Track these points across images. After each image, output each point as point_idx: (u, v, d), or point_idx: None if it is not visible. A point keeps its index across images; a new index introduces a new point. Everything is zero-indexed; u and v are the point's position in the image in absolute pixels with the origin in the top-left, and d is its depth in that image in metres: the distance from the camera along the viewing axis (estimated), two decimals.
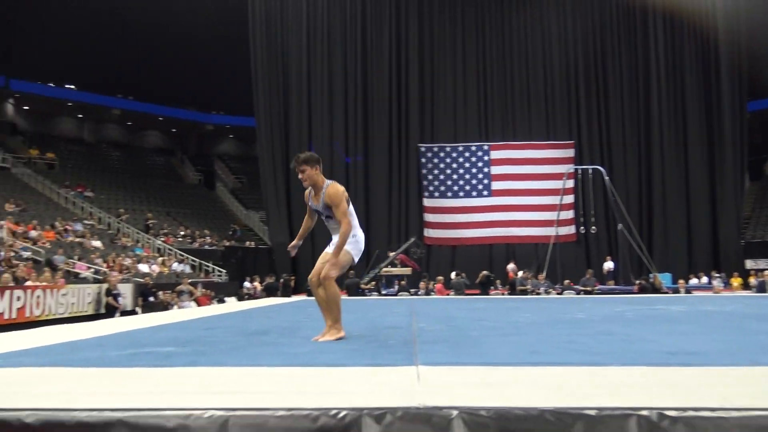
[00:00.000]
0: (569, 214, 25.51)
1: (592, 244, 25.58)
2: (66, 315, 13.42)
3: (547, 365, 3.05)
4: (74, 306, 14.04)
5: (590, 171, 24.03)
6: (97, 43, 33.00)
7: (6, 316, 11.83)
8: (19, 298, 12.32)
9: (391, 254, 22.39)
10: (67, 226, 21.64)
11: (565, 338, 4.43)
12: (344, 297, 16.81)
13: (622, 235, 22.10)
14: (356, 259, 4.79)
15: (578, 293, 17.74)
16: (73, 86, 34.92)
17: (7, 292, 12.04)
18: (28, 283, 13.65)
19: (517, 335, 4.69)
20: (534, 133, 26.41)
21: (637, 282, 18.72)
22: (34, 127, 33.93)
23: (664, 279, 20.03)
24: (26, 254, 16.99)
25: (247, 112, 30.79)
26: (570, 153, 26.01)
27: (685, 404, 2.16)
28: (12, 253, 16.20)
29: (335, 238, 4.65)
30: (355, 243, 4.69)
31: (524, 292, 16.94)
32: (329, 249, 4.69)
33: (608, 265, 23.29)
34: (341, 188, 4.64)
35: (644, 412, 2.11)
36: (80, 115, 35.22)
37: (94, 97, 34.52)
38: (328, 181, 4.69)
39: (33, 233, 19.18)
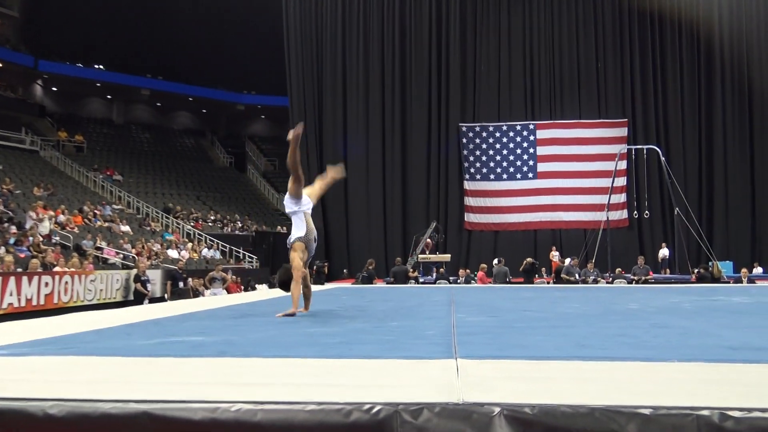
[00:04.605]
0: (621, 198, 25.03)
1: (645, 230, 25.10)
2: (94, 302, 13.78)
3: (597, 360, 2.98)
4: (102, 292, 14.39)
5: (645, 151, 23.50)
6: (126, 22, 33.57)
7: (34, 303, 12.21)
8: (47, 284, 12.68)
9: (421, 240, 22.36)
10: (95, 211, 22.16)
11: (616, 331, 4.33)
12: (381, 285, 16.84)
13: (679, 220, 21.60)
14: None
15: (630, 282, 17.43)
16: (101, 66, 35.65)
17: (35, 278, 12.40)
18: (57, 268, 14.03)
19: (565, 327, 4.61)
20: (584, 111, 25.92)
21: (695, 270, 18.28)
22: (62, 109, 34.80)
23: (724, 267, 19.53)
24: (55, 239, 17.47)
25: (279, 91, 30.99)
26: (622, 132, 25.47)
27: (750, 404, 2.07)
28: (41, 238, 16.68)
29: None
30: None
31: (571, 281, 16.71)
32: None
33: (663, 252, 22.83)
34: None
35: (704, 412, 2.03)
36: (109, 96, 35.98)
37: (122, 77, 35.20)
38: None
39: (61, 218, 19.70)
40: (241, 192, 33.61)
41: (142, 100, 36.78)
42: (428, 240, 22.36)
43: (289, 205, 5.68)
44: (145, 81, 36.02)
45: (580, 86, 26.09)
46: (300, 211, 5.60)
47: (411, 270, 19.64)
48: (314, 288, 12.83)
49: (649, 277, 18.18)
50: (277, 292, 11.09)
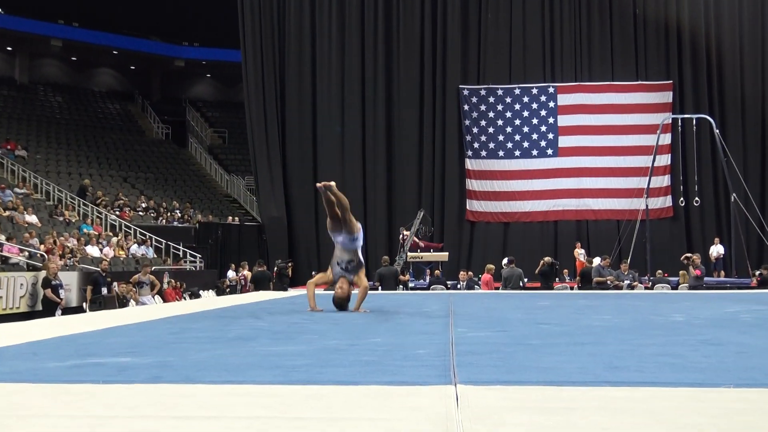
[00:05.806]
0: (664, 181, 25.23)
1: (694, 222, 25.33)
2: None
3: (633, 385, 3.01)
4: (2, 301, 14.29)
5: (694, 122, 23.64)
6: None
7: None
8: None
9: (408, 234, 22.35)
10: None
11: (656, 349, 4.38)
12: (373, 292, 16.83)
13: (737, 210, 21.81)
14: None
15: (675, 288, 17.59)
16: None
17: None
18: None
19: (592, 345, 4.65)
20: (618, 71, 26.02)
21: (756, 273, 18.50)
22: None
23: None
24: None
25: (229, 43, 30.77)
26: (667, 98, 25.63)
27: None
28: None
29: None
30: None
31: (602, 286, 16.85)
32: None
33: (717, 249, 23.04)
34: None
35: None
36: (9, 48, 35.51)
37: (27, 23, 34.71)
38: None
39: None
40: (180, 172, 33.43)
41: (53, 53, 36.37)
42: (414, 237, 22.36)
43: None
44: (57, 28, 35.58)
45: (613, 39, 26.17)
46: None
47: (401, 272, 19.68)
48: (276, 295, 12.83)
49: (696, 275, 18.26)
50: (225, 301, 11.07)
